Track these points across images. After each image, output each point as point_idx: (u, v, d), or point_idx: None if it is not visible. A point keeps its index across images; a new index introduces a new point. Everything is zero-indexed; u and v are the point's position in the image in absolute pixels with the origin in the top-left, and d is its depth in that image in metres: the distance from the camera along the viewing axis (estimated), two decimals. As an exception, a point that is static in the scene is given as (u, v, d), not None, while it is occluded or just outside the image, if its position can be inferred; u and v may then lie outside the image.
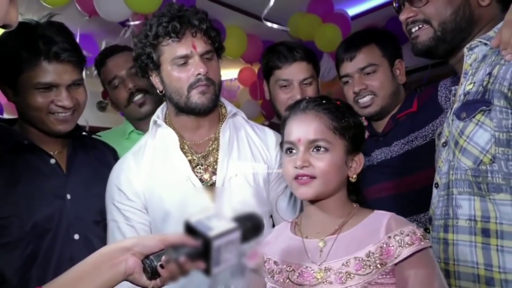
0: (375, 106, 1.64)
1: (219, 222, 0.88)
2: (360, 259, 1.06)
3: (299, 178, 1.12)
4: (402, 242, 1.03)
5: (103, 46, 3.02)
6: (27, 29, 1.39)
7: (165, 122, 1.47)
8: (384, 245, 1.05)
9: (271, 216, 1.49)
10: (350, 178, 1.16)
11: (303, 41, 3.34)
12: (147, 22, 1.41)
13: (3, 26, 0.76)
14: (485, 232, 1.04)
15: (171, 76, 1.38)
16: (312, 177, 1.11)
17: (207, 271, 0.87)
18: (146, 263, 0.87)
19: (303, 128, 1.13)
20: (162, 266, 0.87)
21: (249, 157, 1.45)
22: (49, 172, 1.46)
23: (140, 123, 1.97)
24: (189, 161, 1.42)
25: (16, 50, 1.36)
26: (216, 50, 1.44)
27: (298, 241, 1.17)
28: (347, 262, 1.06)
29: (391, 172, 1.58)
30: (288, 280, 1.13)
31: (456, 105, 1.15)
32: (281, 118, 1.91)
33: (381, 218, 1.10)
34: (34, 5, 2.56)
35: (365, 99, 1.65)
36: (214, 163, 1.42)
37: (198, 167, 1.41)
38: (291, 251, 1.16)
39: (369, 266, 1.04)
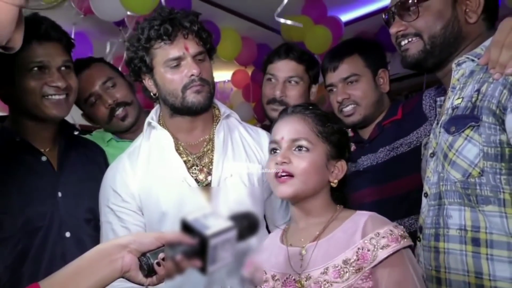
0: (357, 115, 1.69)
1: (216, 220, 0.89)
2: (338, 266, 1.06)
3: (279, 176, 1.14)
4: (378, 245, 1.04)
5: (108, 47, 3.00)
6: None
7: (159, 124, 1.48)
8: (360, 250, 1.06)
9: (265, 217, 1.51)
10: (331, 183, 1.18)
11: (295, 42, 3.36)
12: (138, 26, 1.42)
13: (4, 49, 0.76)
14: (475, 242, 1.07)
15: (164, 78, 1.40)
16: (291, 176, 1.13)
17: (203, 270, 0.88)
18: (142, 261, 0.88)
19: (287, 127, 1.18)
20: (158, 264, 0.88)
21: (243, 157, 1.47)
22: (41, 170, 1.47)
23: (124, 134, 1.89)
24: (184, 161, 1.43)
25: None
26: (208, 51, 1.46)
27: (283, 249, 1.19)
28: (325, 270, 1.07)
29: (377, 178, 1.62)
30: None
31: (444, 118, 1.18)
32: (266, 114, 1.98)
33: (359, 219, 1.11)
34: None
35: (348, 108, 1.70)
36: (209, 164, 1.43)
37: (193, 167, 1.42)
38: (277, 260, 1.18)
39: (346, 272, 1.05)
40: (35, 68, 1.42)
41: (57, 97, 1.45)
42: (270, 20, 3.46)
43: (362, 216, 1.12)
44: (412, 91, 4.35)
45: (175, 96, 1.39)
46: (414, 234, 1.37)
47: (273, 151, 1.20)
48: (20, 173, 1.42)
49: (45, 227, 1.41)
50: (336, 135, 1.19)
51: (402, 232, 1.07)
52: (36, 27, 1.41)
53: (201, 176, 1.42)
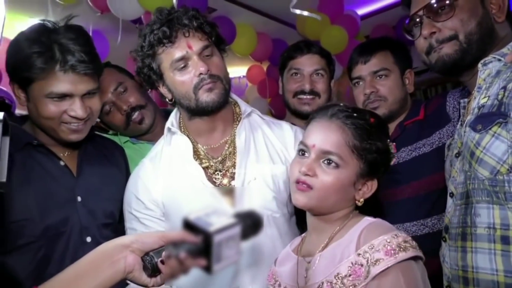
0: (383, 110, 1.66)
1: (218, 218, 0.88)
2: (332, 282, 0.98)
3: (299, 183, 1.07)
4: (371, 259, 0.94)
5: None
6: (43, 33, 1.33)
7: (180, 128, 1.45)
8: (352, 265, 0.96)
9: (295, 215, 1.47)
10: (357, 202, 1.08)
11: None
12: (140, 33, 1.37)
13: None
14: (505, 240, 1.05)
15: (175, 82, 1.35)
16: (310, 187, 1.05)
17: (208, 269, 0.86)
18: (146, 260, 0.86)
19: (322, 135, 1.08)
20: (162, 262, 0.86)
21: (267, 159, 1.41)
22: (59, 174, 1.43)
23: (142, 137, 1.88)
24: (206, 167, 1.39)
25: (30, 57, 1.29)
26: (216, 44, 1.40)
27: (293, 261, 1.14)
28: (321, 285, 1.00)
29: (398, 178, 1.60)
30: None
31: (469, 118, 1.17)
32: (290, 109, 2.00)
33: (357, 229, 1.02)
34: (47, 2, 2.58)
35: (374, 104, 1.68)
36: (232, 167, 1.39)
37: (216, 172, 1.38)
38: (288, 272, 1.14)
39: None
40: (56, 97, 1.33)
41: (75, 124, 1.38)
42: (286, 15, 3.45)
43: (362, 224, 1.03)
44: (429, 86, 4.30)
45: (189, 98, 1.35)
46: (437, 234, 1.36)
47: (301, 152, 1.11)
48: (39, 179, 1.38)
49: (66, 232, 1.38)
50: (374, 153, 1.07)
51: (402, 242, 0.95)
52: (64, 57, 1.30)
53: (224, 181, 1.37)
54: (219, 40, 1.41)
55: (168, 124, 1.46)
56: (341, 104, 1.14)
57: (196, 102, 1.34)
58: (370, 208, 1.11)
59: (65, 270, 0.85)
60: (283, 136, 1.48)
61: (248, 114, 1.47)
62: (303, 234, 1.23)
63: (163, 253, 0.86)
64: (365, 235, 0.98)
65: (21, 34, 1.37)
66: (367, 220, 1.05)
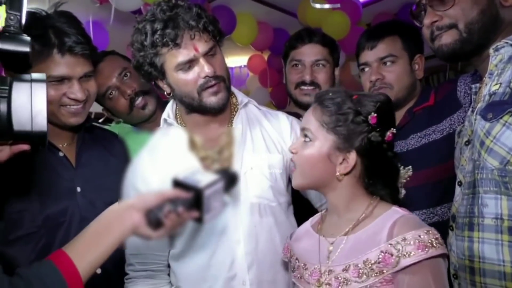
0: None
1: (203, 176, 1.03)
2: (358, 266, 1.04)
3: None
4: (403, 251, 0.99)
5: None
6: (37, 20, 1.34)
7: (176, 120, 1.45)
8: (383, 253, 1.01)
9: (294, 204, 1.49)
10: (337, 176, 1.11)
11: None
12: (139, 28, 1.31)
13: None
14: None
15: (178, 81, 1.34)
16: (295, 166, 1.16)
17: (200, 220, 1.01)
18: (150, 216, 0.97)
19: (305, 116, 1.18)
20: (164, 217, 0.97)
21: (263, 148, 1.43)
22: (58, 165, 1.45)
23: (144, 124, 1.89)
24: (203, 158, 1.39)
25: None
26: (218, 42, 1.38)
27: (315, 239, 1.18)
28: (347, 268, 1.06)
29: (408, 165, 1.58)
30: (301, 278, 1.16)
31: (480, 105, 1.15)
32: (293, 99, 2.01)
33: (389, 219, 1.06)
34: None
35: (381, 91, 1.63)
36: (229, 158, 1.39)
37: (214, 163, 1.38)
38: (308, 249, 1.18)
39: (366, 274, 1.02)
40: (55, 81, 1.36)
41: (75, 107, 1.41)
42: (287, 3, 3.41)
43: (393, 215, 1.07)
44: (433, 73, 4.26)
45: (192, 97, 1.34)
46: (446, 223, 1.35)
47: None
48: (38, 170, 1.39)
49: (66, 222, 1.40)
50: (346, 125, 1.10)
51: (433, 239, 1.00)
52: (60, 40, 1.34)
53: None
54: (220, 36, 1.39)
55: (164, 115, 1.46)
56: (327, 89, 1.22)
57: (200, 102, 1.34)
58: (389, 192, 1.15)
59: (83, 232, 0.98)
60: (279, 126, 1.49)
61: (244, 104, 1.48)
62: (322, 212, 1.27)
63: (165, 209, 0.97)
64: (399, 227, 1.03)
65: None
66: (398, 211, 1.08)
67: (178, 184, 1.01)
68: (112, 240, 0.96)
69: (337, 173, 1.11)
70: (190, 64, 1.31)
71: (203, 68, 1.30)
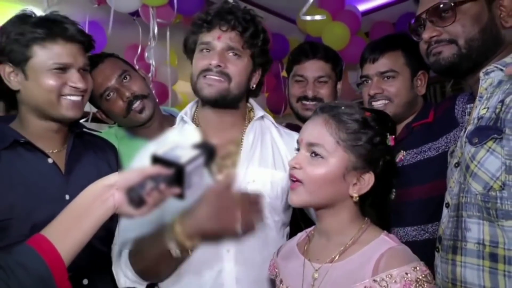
0: (387, 111, 1.62)
1: (183, 151, 0.99)
2: None
3: (292, 180, 1.08)
4: None
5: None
6: (35, 14, 1.42)
7: (193, 119, 1.46)
8: None
9: (290, 225, 1.46)
10: (352, 197, 1.06)
11: (312, 37, 3.31)
12: (203, 12, 1.44)
13: None
14: (493, 257, 1.04)
15: (195, 60, 1.41)
16: (300, 182, 1.06)
17: (181, 196, 0.97)
18: (132, 194, 0.94)
19: (309, 129, 1.10)
20: (146, 195, 0.95)
21: (270, 163, 1.41)
22: (47, 172, 1.42)
23: (139, 130, 1.88)
24: None
25: (30, 31, 1.35)
26: (253, 57, 1.40)
27: (300, 262, 1.13)
28: None
29: (401, 181, 1.57)
30: None
31: (470, 128, 1.15)
32: (294, 112, 2.03)
33: (376, 251, 1.00)
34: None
35: (379, 103, 1.64)
36: (232, 166, 1.37)
37: (215, 167, 1.36)
38: (293, 273, 1.13)
39: None
40: (57, 69, 1.39)
41: (74, 98, 1.43)
42: (286, 10, 3.41)
43: (381, 246, 1.02)
44: (429, 84, 4.26)
45: (193, 79, 1.40)
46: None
47: (296, 149, 1.13)
48: (26, 177, 1.37)
49: None
50: (366, 145, 1.05)
51: (421, 276, 0.94)
52: (62, 28, 1.39)
53: (220, 178, 1.36)
54: (259, 54, 1.42)
55: (181, 113, 1.48)
56: (336, 101, 1.15)
57: (194, 86, 1.39)
58: (377, 212, 1.11)
59: (61, 214, 0.94)
60: (291, 144, 1.45)
61: (260, 117, 1.48)
62: (309, 230, 1.21)
63: (147, 187, 0.94)
64: (385, 261, 0.97)
65: (10, 20, 1.41)
66: (386, 242, 1.04)
67: (157, 160, 0.97)
68: (94, 221, 0.93)
69: (354, 194, 1.05)
70: (207, 47, 1.39)
71: (213, 56, 1.36)
